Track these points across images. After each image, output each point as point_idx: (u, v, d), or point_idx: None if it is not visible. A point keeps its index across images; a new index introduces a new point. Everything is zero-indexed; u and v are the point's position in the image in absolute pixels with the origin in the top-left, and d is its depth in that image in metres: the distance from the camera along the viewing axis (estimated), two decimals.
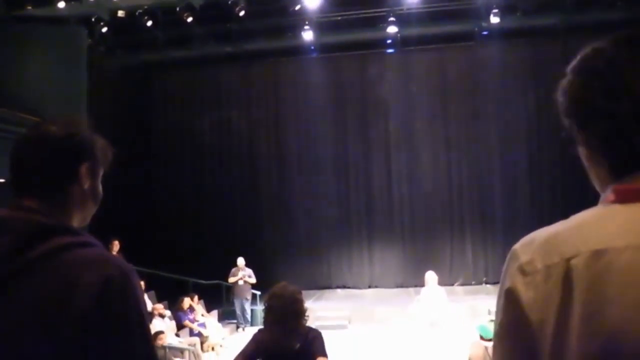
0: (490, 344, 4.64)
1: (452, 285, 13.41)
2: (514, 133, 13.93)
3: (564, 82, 0.82)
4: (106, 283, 0.99)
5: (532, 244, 0.75)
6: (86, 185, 1.13)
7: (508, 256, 0.77)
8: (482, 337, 4.71)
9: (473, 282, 14.00)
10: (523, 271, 0.73)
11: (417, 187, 14.42)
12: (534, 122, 13.81)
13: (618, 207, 0.73)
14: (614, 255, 0.68)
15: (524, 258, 0.74)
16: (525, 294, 0.72)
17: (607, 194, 0.76)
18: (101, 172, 1.17)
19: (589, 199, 0.81)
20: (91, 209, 1.17)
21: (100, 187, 1.17)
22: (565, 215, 0.78)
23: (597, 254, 0.68)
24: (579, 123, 0.79)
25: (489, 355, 4.54)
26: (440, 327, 8.14)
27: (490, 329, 4.69)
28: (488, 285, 13.85)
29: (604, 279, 0.67)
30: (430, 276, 8.40)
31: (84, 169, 1.12)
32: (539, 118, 13.70)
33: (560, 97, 0.82)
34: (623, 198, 0.73)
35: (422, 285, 8.46)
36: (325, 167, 14.67)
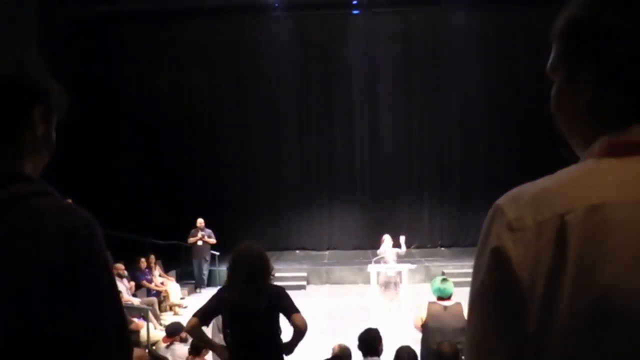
0: (448, 303, 4.79)
1: (409, 248, 13.71)
2: (475, 100, 14.12)
3: (566, 16, 0.76)
4: (71, 234, 0.93)
5: (520, 199, 0.71)
6: (40, 131, 1.03)
7: (490, 212, 0.73)
8: (439, 298, 4.84)
9: (429, 245, 14.37)
10: (511, 228, 0.69)
11: (378, 150, 14.54)
12: (494, 90, 14.03)
13: (612, 161, 0.69)
14: (611, 210, 0.65)
15: (511, 214, 0.70)
16: (515, 252, 0.68)
17: (597, 148, 0.72)
18: (55, 119, 1.08)
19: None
20: (44, 159, 1.08)
21: (54, 135, 1.08)
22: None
23: (593, 209, 0.65)
24: (586, 58, 0.73)
25: (447, 313, 4.68)
26: (394, 290, 8.32)
27: (447, 288, 4.83)
28: (443, 249, 14.27)
29: (599, 236, 0.64)
30: (385, 238, 8.59)
31: (37, 112, 1.02)
32: (500, 86, 13.94)
33: (561, 27, 0.76)
34: (615, 151, 0.70)
35: (378, 247, 8.63)
36: (286, 128, 14.57)
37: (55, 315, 0.92)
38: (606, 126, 0.72)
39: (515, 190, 0.73)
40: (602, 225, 0.65)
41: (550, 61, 0.79)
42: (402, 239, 8.67)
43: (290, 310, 3.32)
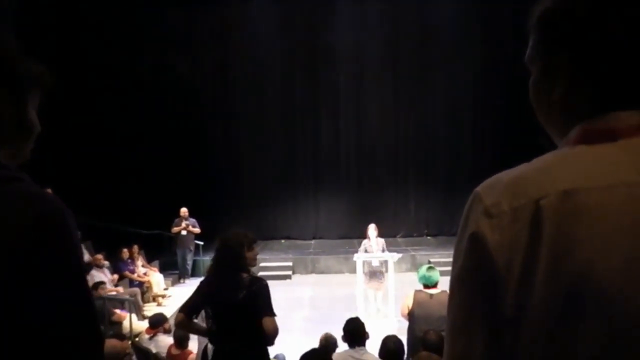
0: (434, 291, 4.84)
1: (395, 237, 13.84)
2: (461, 89, 14.19)
3: (542, 5, 0.78)
4: (39, 221, 0.90)
5: (497, 186, 0.73)
6: (7, 114, 0.99)
7: (470, 199, 0.75)
8: (425, 286, 4.89)
9: (415, 234, 14.49)
10: (488, 214, 0.71)
11: (364, 138, 14.56)
12: (481, 78, 14.10)
13: (586, 148, 0.72)
14: (584, 195, 0.67)
15: (488, 200, 0.72)
16: (492, 237, 0.70)
17: (572, 136, 0.75)
18: (32, 100, 1.03)
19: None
20: (21, 143, 1.03)
21: (32, 117, 1.03)
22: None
23: (566, 195, 0.67)
24: (556, 47, 0.75)
25: (433, 300, 4.73)
26: (379, 280, 8.38)
27: (432, 276, 4.88)
28: (429, 237, 14.39)
29: (572, 221, 0.66)
30: (370, 227, 8.62)
31: (1, 94, 0.98)
32: (487, 73, 13.99)
33: (537, 18, 0.78)
34: (589, 138, 0.72)
35: (364, 237, 8.66)
36: (272, 115, 14.51)
37: (18, 305, 0.89)
38: (581, 116, 0.75)
39: (493, 178, 0.75)
40: (574, 210, 0.67)
41: (527, 51, 0.81)
42: (396, 256, 8.53)
43: (264, 311, 3.27)
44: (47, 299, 0.92)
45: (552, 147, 0.79)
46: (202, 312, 3.63)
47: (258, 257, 3.88)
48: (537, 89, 0.80)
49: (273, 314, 3.29)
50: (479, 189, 0.75)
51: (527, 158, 0.76)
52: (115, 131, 13.26)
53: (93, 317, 1.00)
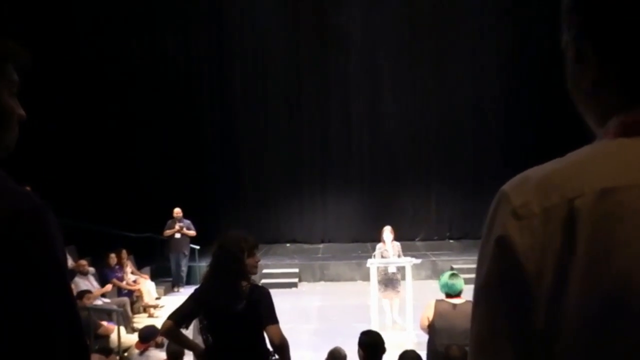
0: (458, 301, 4.82)
1: (413, 240, 13.82)
2: (489, 73, 14.12)
3: None
4: (14, 219, 0.91)
5: (526, 184, 0.73)
6: None
7: (495, 199, 0.75)
8: (448, 295, 4.87)
9: (436, 237, 14.46)
10: (517, 215, 0.71)
11: (379, 130, 14.54)
12: (511, 62, 14.01)
13: (625, 141, 0.72)
14: (624, 194, 0.67)
15: (517, 200, 0.72)
16: (520, 241, 0.70)
17: (611, 128, 0.75)
18: (5, 82, 1.03)
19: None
20: (2, 134, 1.03)
21: (6, 101, 1.03)
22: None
23: (605, 194, 0.67)
24: (595, 30, 0.75)
25: (456, 311, 4.71)
26: (396, 287, 8.37)
27: (455, 284, 4.87)
28: (452, 241, 14.36)
29: (612, 222, 0.66)
30: (386, 230, 8.59)
31: None
32: (517, 57, 13.90)
33: (566, 4, 0.79)
34: (631, 131, 0.72)
35: (379, 240, 8.65)
36: (275, 105, 14.52)
37: None
38: (615, 105, 0.75)
39: (521, 175, 0.76)
40: (613, 211, 0.67)
41: (562, 38, 0.83)
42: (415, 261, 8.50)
43: (267, 320, 3.28)
44: (22, 301, 0.92)
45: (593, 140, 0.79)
46: (195, 326, 3.63)
47: (260, 263, 3.87)
48: (571, 77, 0.81)
49: (276, 322, 3.29)
50: (506, 187, 0.75)
51: (564, 153, 0.75)
52: (100, 121, 13.31)
53: (77, 326, 0.99)
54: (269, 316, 3.29)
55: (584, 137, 0.81)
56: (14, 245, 0.91)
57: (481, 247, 0.76)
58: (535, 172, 0.74)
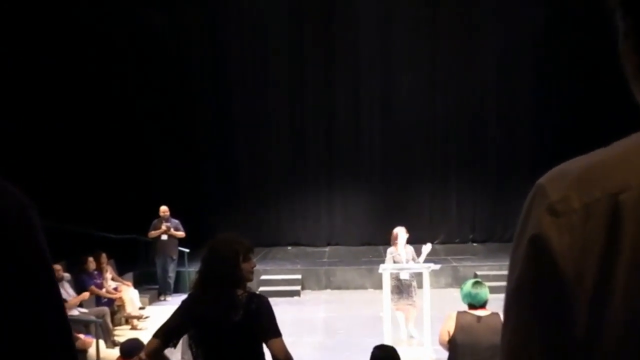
0: (482, 313, 4.83)
1: (432, 243, 13.78)
2: (517, 56, 14.08)
3: None
4: (2, 218, 0.95)
5: (565, 178, 0.74)
6: None
7: (531, 193, 0.76)
8: (471, 306, 4.86)
9: (457, 240, 14.47)
10: (554, 211, 0.72)
11: (392, 119, 14.53)
12: (542, 43, 13.94)
13: None
14: None
15: (554, 195, 0.73)
16: (558, 240, 0.71)
17: None
18: None
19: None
20: None
21: None
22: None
23: None
24: None
25: (481, 325, 4.72)
26: (409, 299, 8.37)
27: (480, 293, 4.87)
28: (475, 245, 14.36)
29: None
30: (400, 232, 8.58)
31: None
32: (549, 38, 13.83)
33: None
34: None
35: (391, 243, 8.65)
36: (276, 93, 14.54)
37: None
38: None
39: (560, 167, 0.76)
40: None
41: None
42: (426, 248, 8.56)
43: (268, 333, 3.27)
44: (15, 307, 0.95)
45: None
46: (184, 340, 3.62)
47: (257, 269, 3.87)
48: (621, 58, 0.81)
49: (279, 334, 3.29)
50: (542, 180, 0.76)
51: (607, 144, 0.76)
52: (79, 111, 13.33)
53: (68, 333, 1.02)
54: (271, 329, 3.28)
55: (620, 131, 0.82)
56: (3, 244, 0.94)
57: (513, 248, 0.76)
58: (576, 164, 0.75)
